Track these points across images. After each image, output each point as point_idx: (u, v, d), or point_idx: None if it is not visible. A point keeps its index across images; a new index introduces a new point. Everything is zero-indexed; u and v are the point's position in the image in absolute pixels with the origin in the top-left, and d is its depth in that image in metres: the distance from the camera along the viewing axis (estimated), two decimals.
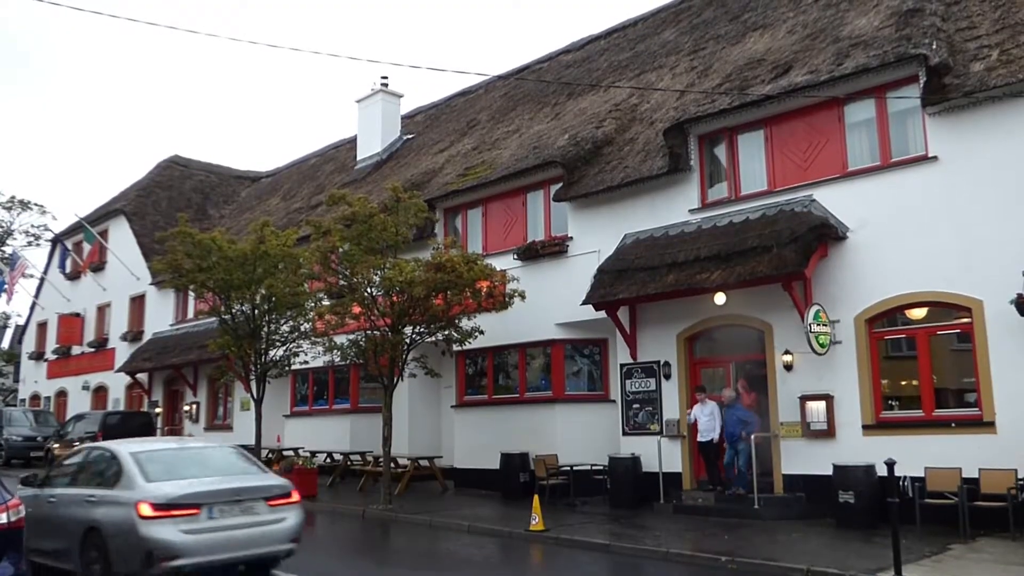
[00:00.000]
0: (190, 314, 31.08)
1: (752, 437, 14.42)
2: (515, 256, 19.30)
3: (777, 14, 18.67)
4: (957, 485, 12.17)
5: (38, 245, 49.28)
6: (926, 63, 13.28)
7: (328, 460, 22.74)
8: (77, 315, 38.17)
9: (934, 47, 13.41)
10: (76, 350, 38.05)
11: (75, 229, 37.23)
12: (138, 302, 34.65)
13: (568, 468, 17.10)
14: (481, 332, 18.16)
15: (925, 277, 13.31)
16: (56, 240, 38.17)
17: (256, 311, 20.62)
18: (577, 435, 17.90)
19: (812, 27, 16.85)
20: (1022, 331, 12.23)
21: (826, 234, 14.03)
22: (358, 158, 30.04)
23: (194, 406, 30.34)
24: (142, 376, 32.73)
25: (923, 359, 13.62)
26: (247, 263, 20.00)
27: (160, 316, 32.84)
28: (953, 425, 12.94)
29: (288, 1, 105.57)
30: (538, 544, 13.32)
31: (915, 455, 12.63)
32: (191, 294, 27.12)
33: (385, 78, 29.84)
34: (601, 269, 16.72)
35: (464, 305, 17.82)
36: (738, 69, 17.13)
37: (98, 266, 36.89)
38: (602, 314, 16.77)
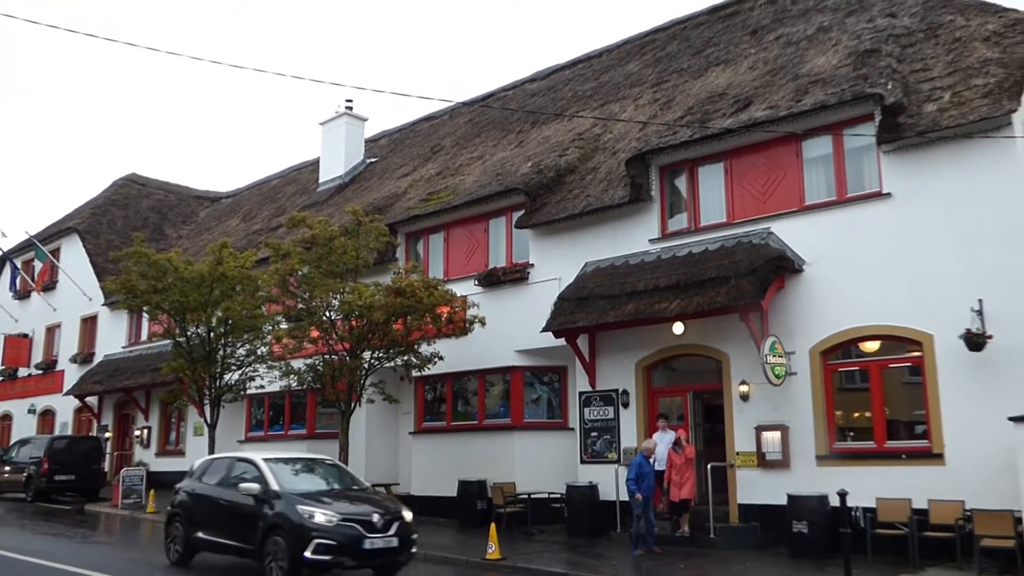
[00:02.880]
0: (144, 336, 30.49)
1: (636, 496, 13.66)
2: (476, 282, 19.30)
3: (739, 50, 19.07)
4: (907, 516, 12.36)
5: None
6: (882, 102, 13.63)
7: None
8: (25, 336, 37.19)
9: (889, 87, 13.78)
10: (23, 372, 37.05)
11: (25, 247, 36.41)
12: (89, 323, 33.93)
13: (526, 496, 17.02)
14: (441, 358, 18.10)
15: (878, 311, 13.57)
16: (5, 258, 37.30)
17: (212, 334, 20.33)
18: (535, 463, 17.85)
19: (773, 64, 17.22)
20: (971, 365, 12.52)
21: (783, 266, 14.26)
22: (320, 180, 29.90)
23: (145, 431, 29.69)
24: (92, 400, 31.93)
25: (876, 391, 13.85)
26: (204, 285, 19.73)
27: (112, 338, 32.16)
28: (904, 457, 13.15)
29: (253, 22, 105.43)
30: (494, 573, 13.20)
31: (867, 486, 12.82)
32: (145, 316, 26.66)
33: (350, 101, 29.83)
34: (562, 296, 16.79)
35: (424, 330, 17.75)
36: (700, 102, 17.42)
37: (49, 285, 36.02)
38: (562, 341, 16.81)
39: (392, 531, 11.33)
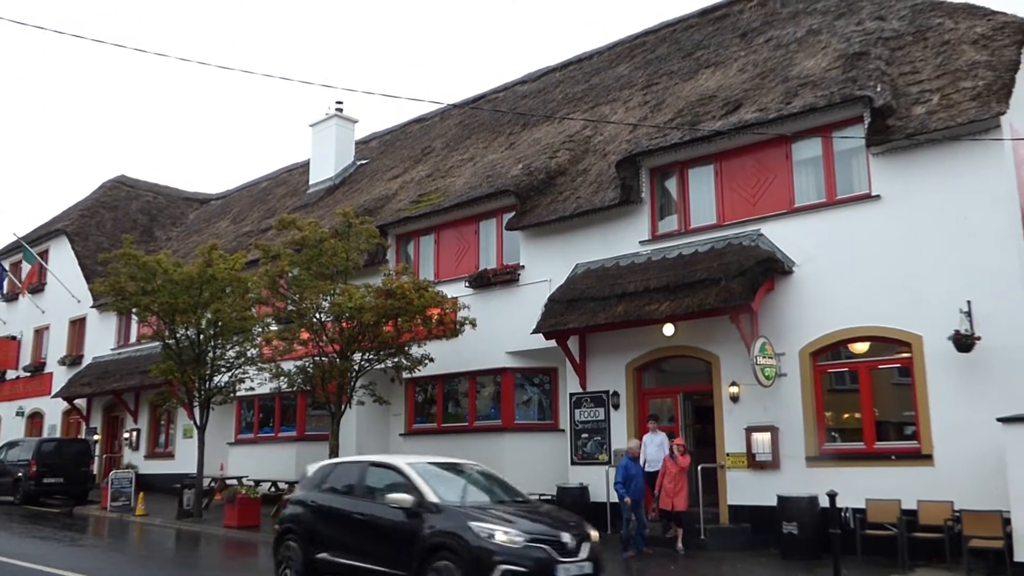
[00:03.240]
0: (133, 338, 30.34)
1: (624, 500, 13.60)
2: (467, 284, 19.29)
3: (729, 52, 19.12)
4: (897, 517, 12.40)
5: None
6: (871, 104, 13.68)
7: (273, 489, 22.29)
8: (13, 338, 37.03)
9: (879, 89, 13.84)
10: (11, 374, 36.86)
11: (13, 249, 36.24)
12: (78, 325, 33.76)
13: None
14: (431, 359, 18.08)
15: (867, 312, 13.63)
16: None
17: (201, 336, 20.25)
18: (526, 464, 17.82)
19: (762, 66, 17.28)
20: (959, 366, 12.58)
21: (773, 268, 14.30)
22: (311, 182, 29.84)
23: (134, 433, 29.55)
24: (80, 402, 31.79)
25: (865, 392, 13.90)
26: (193, 287, 19.66)
27: (101, 340, 32.01)
28: (893, 457, 13.20)
29: (241, 23, 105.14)
30: None
31: (857, 487, 12.89)
32: (134, 318, 26.54)
33: (340, 103, 29.79)
34: (552, 298, 16.80)
35: (415, 332, 17.73)
36: (690, 105, 17.46)
37: (37, 287, 35.81)
38: (552, 343, 16.81)
39: (585, 554, 9.49)
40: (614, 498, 15.67)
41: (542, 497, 16.89)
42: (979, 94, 13.10)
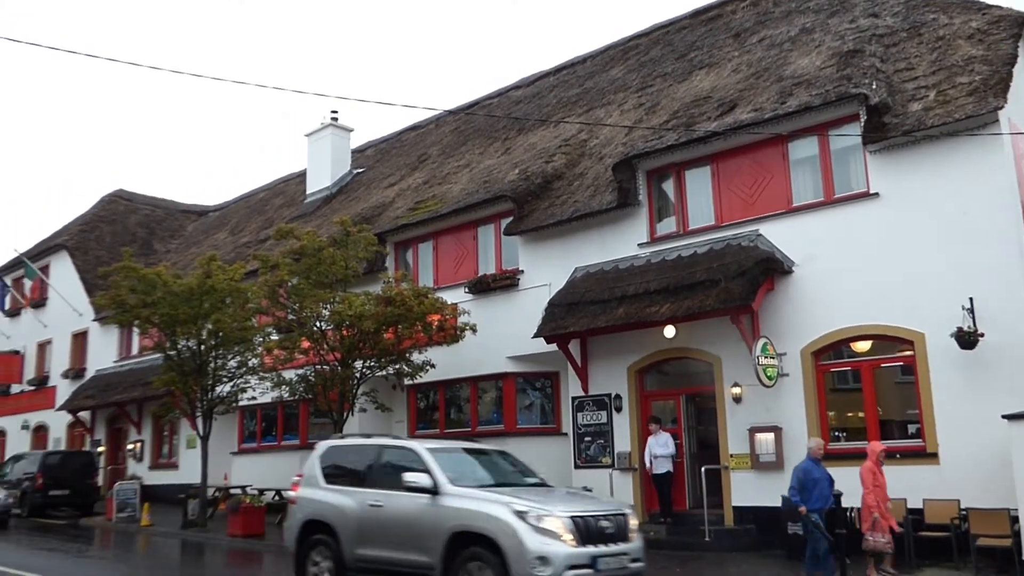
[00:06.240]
0: (134, 350, 30.34)
1: (800, 509, 11.00)
2: (466, 289, 19.26)
3: (722, 53, 19.09)
4: (903, 516, 12.32)
5: None
6: (866, 102, 13.64)
7: (276, 498, 22.21)
8: (16, 353, 37.09)
9: (874, 87, 13.80)
10: (15, 388, 36.90)
11: (15, 265, 36.26)
12: (80, 339, 33.78)
13: None
14: (432, 366, 18.05)
15: (869, 311, 13.57)
16: None
17: (202, 346, 20.25)
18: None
19: (756, 66, 17.25)
20: (963, 364, 12.52)
21: (772, 268, 14.26)
22: (307, 192, 29.82)
23: (138, 444, 29.55)
24: (84, 414, 31.83)
25: (868, 391, 13.84)
26: (193, 298, 19.66)
27: (103, 353, 32.03)
28: (898, 456, 13.11)
29: (234, 33, 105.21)
30: None
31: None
32: (135, 330, 26.56)
33: (335, 112, 29.77)
34: (552, 302, 16.76)
35: (415, 339, 17.71)
36: (685, 106, 17.43)
37: (39, 302, 35.88)
38: (553, 347, 16.77)
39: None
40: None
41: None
42: (976, 89, 13.06)
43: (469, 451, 11.19)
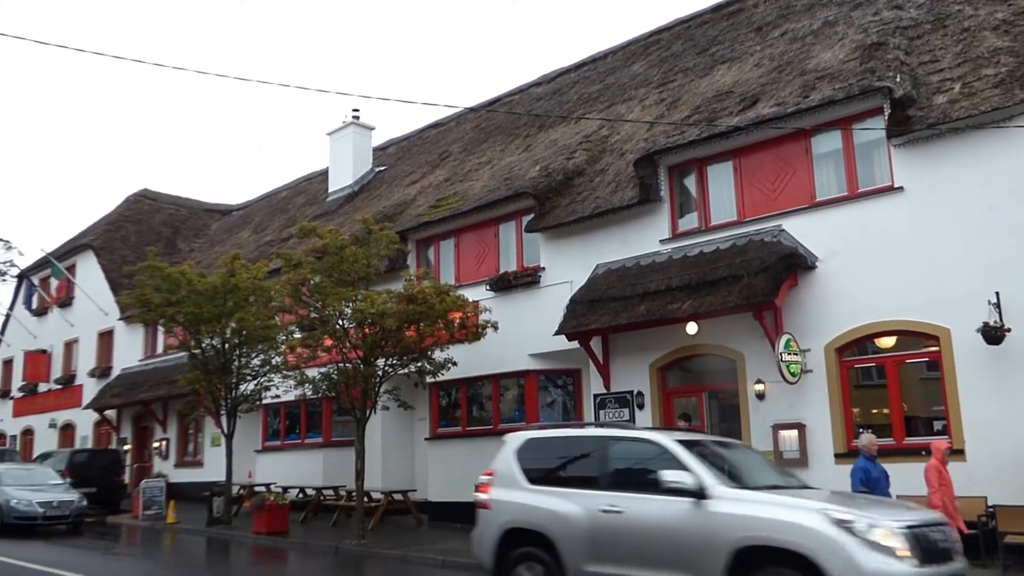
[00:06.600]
0: (159, 349, 30.67)
1: None
2: (488, 287, 19.27)
3: (744, 47, 18.97)
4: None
5: (3, 281, 48.01)
6: (890, 95, 13.51)
7: (300, 495, 22.42)
8: (44, 352, 37.55)
9: (898, 80, 13.66)
10: (43, 387, 37.37)
11: (42, 264, 36.71)
12: (106, 338, 34.16)
13: None
14: (454, 363, 18.08)
15: (893, 306, 13.44)
16: (22, 276, 37.63)
17: (226, 345, 20.42)
18: None
19: (779, 60, 17.12)
20: (989, 359, 12.37)
21: (795, 264, 14.15)
22: (329, 190, 29.97)
23: (164, 443, 29.86)
24: (110, 413, 32.20)
25: (893, 387, 13.72)
26: (217, 296, 19.84)
27: (129, 351, 32.37)
28: (924, 453, 12.96)
29: (258, 34, 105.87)
30: None
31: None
32: (160, 329, 26.83)
33: (356, 110, 29.89)
34: (574, 299, 16.73)
35: (437, 336, 17.73)
36: (707, 101, 17.34)
37: (65, 302, 36.34)
38: (575, 344, 16.74)
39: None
40: None
41: None
42: (1002, 81, 12.89)
43: (719, 444, 9.54)
